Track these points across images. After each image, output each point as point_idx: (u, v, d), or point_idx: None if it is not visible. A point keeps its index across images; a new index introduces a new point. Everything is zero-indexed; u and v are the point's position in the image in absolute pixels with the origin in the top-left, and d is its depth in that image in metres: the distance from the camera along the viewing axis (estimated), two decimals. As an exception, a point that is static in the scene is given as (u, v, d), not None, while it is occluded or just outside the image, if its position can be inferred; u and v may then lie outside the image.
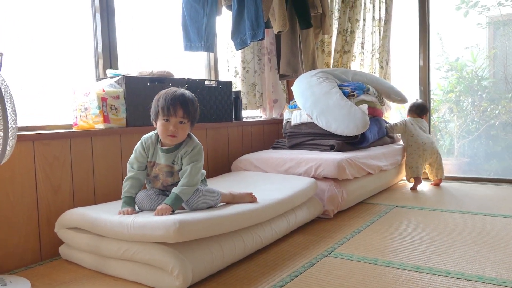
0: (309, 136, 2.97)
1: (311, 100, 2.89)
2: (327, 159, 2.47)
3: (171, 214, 1.59)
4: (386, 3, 3.57)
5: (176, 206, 1.63)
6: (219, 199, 1.76)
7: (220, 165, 2.92)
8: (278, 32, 3.04)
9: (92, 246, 1.66)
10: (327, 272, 1.61)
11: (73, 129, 2.20)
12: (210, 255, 1.56)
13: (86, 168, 2.05)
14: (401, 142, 3.36)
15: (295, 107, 3.10)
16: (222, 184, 2.24)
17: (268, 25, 3.03)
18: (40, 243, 1.87)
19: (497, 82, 3.51)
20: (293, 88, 3.10)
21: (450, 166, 3.59)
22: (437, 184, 3.24)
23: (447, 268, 1.60)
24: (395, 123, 3.29)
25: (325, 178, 2.48)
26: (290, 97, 3.73)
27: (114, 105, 2.18)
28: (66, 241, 1.78)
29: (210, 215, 1.59)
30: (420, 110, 3.35)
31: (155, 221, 1.48)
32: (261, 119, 3.54)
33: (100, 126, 2.13)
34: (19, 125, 1.77)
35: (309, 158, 2.55)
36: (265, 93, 3.52)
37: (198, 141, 1.78)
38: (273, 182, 2.33)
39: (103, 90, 2.15)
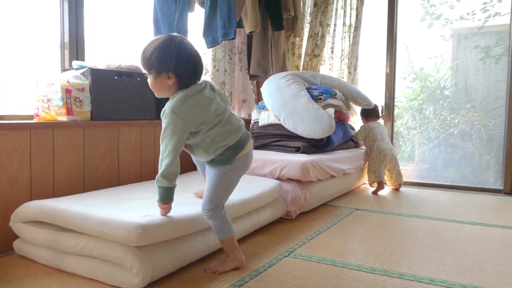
0: (276, 137, 3.00)
1: (279, 101, 2.92)
2: (292, 161, 2.51)
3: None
4: (356, 10, 3.66)
5: (161, 196, 1.54)
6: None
7: (185, 162, 2.90)
8: (250, 32, 3.06)
9: (49, 240, 1.62)
10: (286, 272, 1.64)
11: (34, 120, 2.14)
12: (171, 252, 1.56)
13: (46, 161, 2.00)
14: (364, 147, 3.45)
15: (264, 108, 3.13)
16: (187, 183, 2.24)
17: (240, 24, 3.04)
18: (-6, 236, 1.81)
19: (458, 92, 3.65)
20: (262, 89, 3.12)
21: (410, 172, 3.72)
22: (397, 189, 3.35)
23: (401, 270, 1.66)
24: (356, 133, 3.42)
25: (289, 180, 2.52)
26: (259, 97, 3.76)
27: (79, 98, 2.13)
28: (22, 236, 1.73)
29: (173, 219, 1.57)
30: (376, 111, 3.49)
31: (118, 221, 1.47)
32: (230, 118, 3.54)
33: (63, 118, 2.08)
34: (-24, 114, 1.71)
35: (275, 159, 2.58)
36: (234, 92, 3.53)
37: (180, 97, 1.52)
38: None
39: (68, 82, 2.10)
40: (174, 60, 1.51)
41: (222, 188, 1.62)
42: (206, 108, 1.57)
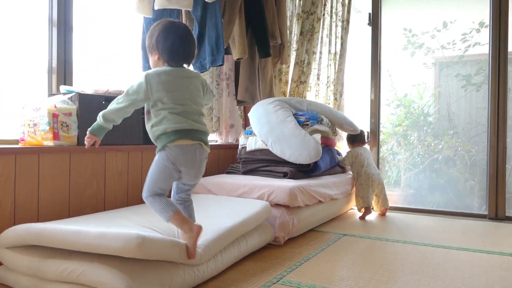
0: (264, 163, 3.01)
1: (266, 127, 2.94)
2: (280, 186, 2.51)
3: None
4: (341, 38, 3.75)
5: (93, 128, 1.66)
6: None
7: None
8: (237, 59, 3.11)
9: (33, 268, 1.57)
10: (275, 299, 1.62)
11: (20, 145, 2.11)
12: (159, 282, 1.53)
13: (31, 186, 1.97)
14: (351, 172, 3.48)
15: (251, 133, 3.14)
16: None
17: (228, 51, 3.08)
18: (-27, 265, 1.75)
19: (441, 119, 3.73)
20: (249, 115, 3.15)
21: (396, 197, 3.74)
22: (383, 214, 3.36)
23: (390, 297, 1.66)
24: (343, 158, 3.44)
25: (277, 205, 2.51)
26: (246, 123, 3.78)
27: (66, 122, 2.12)
28: (5, 263, 1.68)
29: (173, 239, 1.60)
30: (362, 137, 3.53)
31: (116, 232, 1.46)
32: (217, 143, 3.55)
33: (49, 143, 2.06)
34: (-40, 138, 1.68)
35: (262, 185, 2.58)
36: (222, 117, 3.54)
37: (159, 69, 1.67)
38: (226, 207, 2.33)
39: (55, 106, 2.08)
40: (156, 36, 1.67)
41: (153, 175, 1.64)
42: (172, 92, 1.64)
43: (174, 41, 1.66)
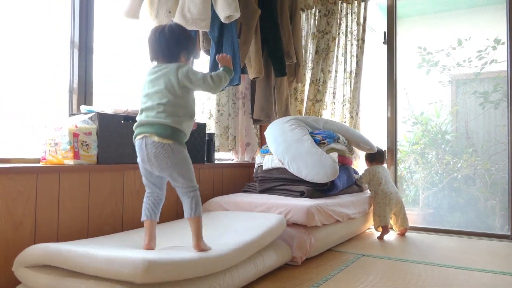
0: (280, 181, 3.00)
1: (283, 146, 2.94)
2: (297, 205, 2.49)
3: None
4: (357, 57, 3.76)
5: None
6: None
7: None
8: (253, 78, 3.13)
9: (52, 287, 1.58)
10: (295, 321, 1.59)
11: (41, 164, 2.14)
12: (175, 301, 1.52)
13: (52, 205, 1.99)
14: (368, 191, 3.44)
15: (267, 152, 3.14)
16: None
17: (244, 71, 3.12)
18: (-6, 283, 1.76)
19: (459, 137, 3.69)
20: (266, 133, 3.16)
21: (415, 217, 3.68)
22: (402, 234, 3.30)
23: (413, 320, 1.61)
24: (360, 176, 3.40)
25: (294, 224, 2.49)
26: (262, 141, 3.79)
27: (86, 141, 2.15)
28: (24, 282, 1.68)
29: (181, 257, 1.57)
30: (381, 156, 3.48)
31: (124, 258, 1.46)
32: (233, 162, 3.56)
33: (70, 162, 2.09)
34: (-16, 157, 1.72)
35: (279, 204, 2.56)
36: (238, 136, 3.56)
37: None
38: (242, 221, 2.33)
39: (76, 126, 2.12)
40: None
41: None
42: (140, 92, 1.85)
43: (148, 41, 1.88)
